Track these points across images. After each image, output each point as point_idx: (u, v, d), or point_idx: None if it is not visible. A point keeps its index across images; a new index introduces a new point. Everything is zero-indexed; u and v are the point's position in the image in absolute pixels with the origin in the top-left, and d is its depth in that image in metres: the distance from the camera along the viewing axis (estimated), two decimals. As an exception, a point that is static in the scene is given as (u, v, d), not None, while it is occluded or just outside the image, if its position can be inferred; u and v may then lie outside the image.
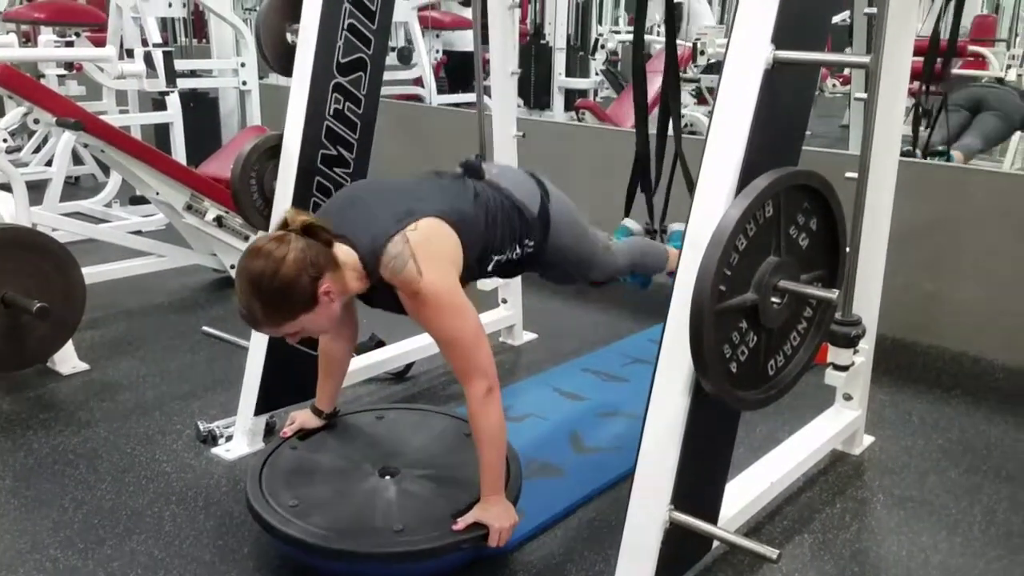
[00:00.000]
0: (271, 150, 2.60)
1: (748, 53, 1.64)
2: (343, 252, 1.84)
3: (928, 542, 2.14)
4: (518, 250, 2.07)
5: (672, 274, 2.69)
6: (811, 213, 1.76)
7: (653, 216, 2.81)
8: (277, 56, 2.63)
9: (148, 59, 4.39)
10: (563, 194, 2.21)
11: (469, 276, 1.96)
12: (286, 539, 1.92)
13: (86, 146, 3.80)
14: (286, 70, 2.56)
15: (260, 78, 5.42)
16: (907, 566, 2.05)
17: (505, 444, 1.95)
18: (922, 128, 4.33)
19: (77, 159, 5.56)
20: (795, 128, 1.83)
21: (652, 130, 2.76)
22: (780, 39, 1.62)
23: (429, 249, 1.81)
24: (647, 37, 6.34)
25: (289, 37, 2.58)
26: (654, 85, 3.54)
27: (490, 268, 2.05)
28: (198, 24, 7.84)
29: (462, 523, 1.91)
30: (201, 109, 5.68)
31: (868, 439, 2.62)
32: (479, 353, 1.86)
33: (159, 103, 4.70)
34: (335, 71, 2.46)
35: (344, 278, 1.83)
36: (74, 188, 5.59)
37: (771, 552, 1.71)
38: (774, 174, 1.63)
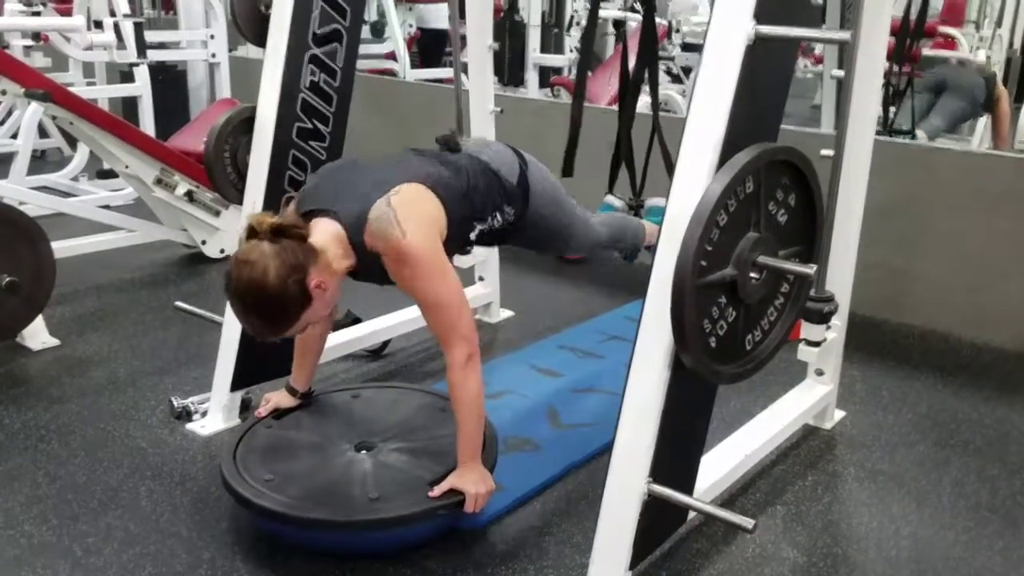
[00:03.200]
0: (245, 123, 2.57)
1: (730, 28, 1.64)
2: (323, 231, 1.83)
3: (898, 514, 2.18)
4: (499, 218, 2.07)
5: (651, 247, 2.71)
6: (790, 189, 1.78)
7: (635, 187, 2.82)
8: (251, 27, 2.59)
9: (116, 30, 4.30)
10: (543, 166, 2.22)
11: (453, 246, 1.95)
12: (261, 512, 1.92)
13: (54, 118, 3.72)
14: (260, 41, 2.52)
15: (230, 50, 5.33)
16: (878, 537, 2.09)
17: (483, 411, 1.96)
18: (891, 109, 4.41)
19: (43, 132, 5.45)
20: (775, 104, 1.84)
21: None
22: (762, 14, 1.62)
23: (411, 210, 1.82)
24: (626, 14, 6.28)
25: (263, 8, 2.54)
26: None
27: (473, 236, 2.05)
28: (165, -5, 7.68)
29: (438, 490, 1.92)
30: (169, 82, 5.57)
31: (839, 413, 2.66)
32: (461, 318, 1.87)
33: (126, 76, 4.60)
34: (311, 42, 2.42)
35: (329, 263, 1.82)
36: (40, 162, 5.46)
37: (747, 522, 1.73)
38: (755, 149, 1.63)
